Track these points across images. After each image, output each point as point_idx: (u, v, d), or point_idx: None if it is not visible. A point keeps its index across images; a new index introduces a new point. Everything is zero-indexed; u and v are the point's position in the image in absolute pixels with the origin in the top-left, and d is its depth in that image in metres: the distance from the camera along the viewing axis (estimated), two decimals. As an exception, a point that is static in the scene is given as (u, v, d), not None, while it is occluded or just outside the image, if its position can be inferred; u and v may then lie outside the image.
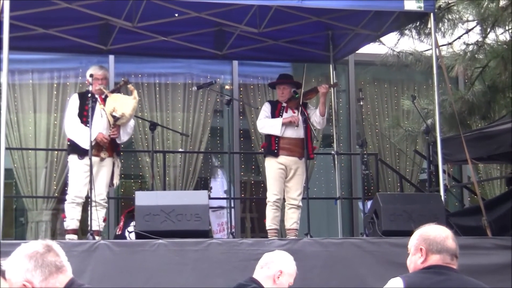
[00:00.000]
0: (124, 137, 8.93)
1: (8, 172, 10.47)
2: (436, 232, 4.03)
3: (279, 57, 11.61)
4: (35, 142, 11.98)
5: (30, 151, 11.91)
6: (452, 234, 4.06)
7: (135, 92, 8.85)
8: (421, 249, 3.99)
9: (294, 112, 9.45)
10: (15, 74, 11.79)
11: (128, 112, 8.69)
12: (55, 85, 12.17)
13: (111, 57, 12.05)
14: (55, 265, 3.48)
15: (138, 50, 10.95)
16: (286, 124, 9.32)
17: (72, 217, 8.53)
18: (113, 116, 8.64)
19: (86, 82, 8.82)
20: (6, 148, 8.22)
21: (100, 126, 8.62)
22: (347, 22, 10.41)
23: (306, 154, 9.22)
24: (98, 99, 8.70)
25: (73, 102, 8.78)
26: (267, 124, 9.37)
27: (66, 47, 10.71)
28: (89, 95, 8.51)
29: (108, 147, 8.70)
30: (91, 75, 8.64)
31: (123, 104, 8.73)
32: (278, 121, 9.33)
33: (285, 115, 9.42)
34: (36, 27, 10.00)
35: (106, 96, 8.77)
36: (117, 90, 9.09)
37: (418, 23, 10.63)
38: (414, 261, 4.03)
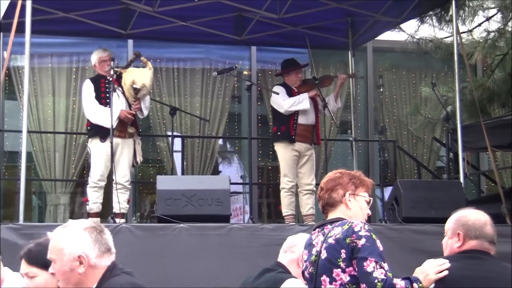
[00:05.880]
0: (145, 111, 9.00)
1: (27, 155, 10.48)
2: (475, 217, 4.00)
3: (298, 43, 11.53)
4: (54, 126, 12.00)
5: (48, 134, 11.94)
6: (490, 219, 4.03)
7: (149, 63, 8.93)
8: (458, 234, 3.97)
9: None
10: (35, 57, 11.77)
11: (148, 83, 8.76)
12: (74, 69, 12.20)
13: (130, 42, 12.08)
14: (107, 245, 3.52)
15: (157, 34, 10.96)
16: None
17: (94, 201, 8.57)
18: (134, 88, 8.65)
19: (94, 67, 8.92)
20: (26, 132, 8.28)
21: (120, 106, 8.64)
22: (367, 8, 10.37)
23: (317, 140, 9.39)
24: (111, 80, 8.71)
25: (88, 88, 8.80)
26: (295, 101, 9.28)
27: (85, 31, 10.71)
28: (110, 78, 8.51)
29: (132, 123, 8.77)
30: (112, 59, 8.69)
31: (141, 75, 8.78)
32: (304, 95, 9.30)
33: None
34: (57, 10, 9.99)
35: (119, 75, 8.78)
36: (129, 64, 9.11)
37: (439, 10, 10.60)
38: (450, 245, 4.01)
